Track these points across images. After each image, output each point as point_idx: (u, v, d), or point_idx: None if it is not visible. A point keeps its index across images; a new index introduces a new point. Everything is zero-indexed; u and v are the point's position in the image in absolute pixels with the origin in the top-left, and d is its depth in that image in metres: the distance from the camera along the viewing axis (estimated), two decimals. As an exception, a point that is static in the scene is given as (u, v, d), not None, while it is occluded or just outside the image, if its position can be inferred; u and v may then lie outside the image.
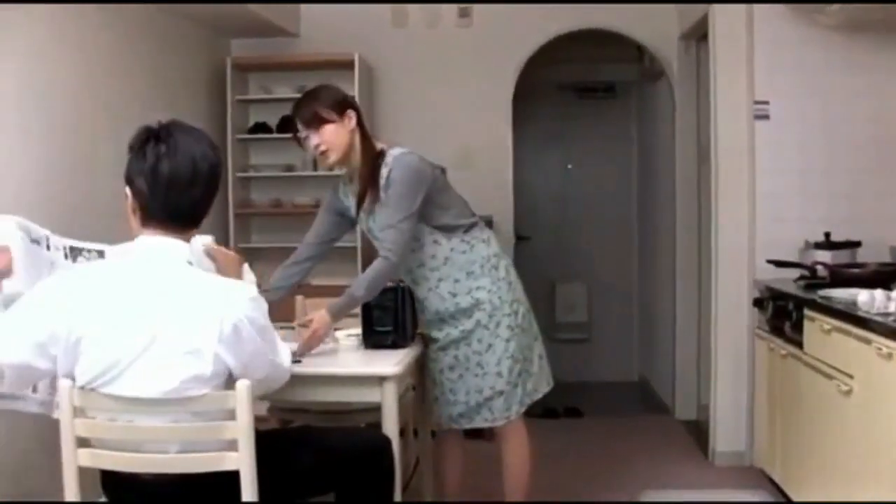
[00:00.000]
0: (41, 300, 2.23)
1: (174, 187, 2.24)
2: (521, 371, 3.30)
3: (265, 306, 2.34)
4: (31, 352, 2.20)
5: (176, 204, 2.25)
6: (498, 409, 3.30)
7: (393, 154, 3.18)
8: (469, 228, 3.30)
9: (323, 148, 3.14)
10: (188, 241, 2.32)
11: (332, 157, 3.16)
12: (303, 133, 3.15)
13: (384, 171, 3.15)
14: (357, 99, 5.52)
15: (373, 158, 3.18)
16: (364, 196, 3.22)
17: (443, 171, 3.36)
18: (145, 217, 2.27)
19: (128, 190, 2.29)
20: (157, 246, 2.27)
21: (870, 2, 3.85)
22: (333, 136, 3.13)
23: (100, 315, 2.19)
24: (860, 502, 3.14)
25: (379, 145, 3.23)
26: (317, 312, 3.09)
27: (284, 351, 2.49)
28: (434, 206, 3.21)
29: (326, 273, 5.71)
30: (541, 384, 3.41)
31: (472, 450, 3.59)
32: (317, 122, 3.12)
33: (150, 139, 2.25)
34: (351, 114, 3.15)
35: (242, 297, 2.27)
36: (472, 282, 3.26)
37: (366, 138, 3.20)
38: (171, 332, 2.18)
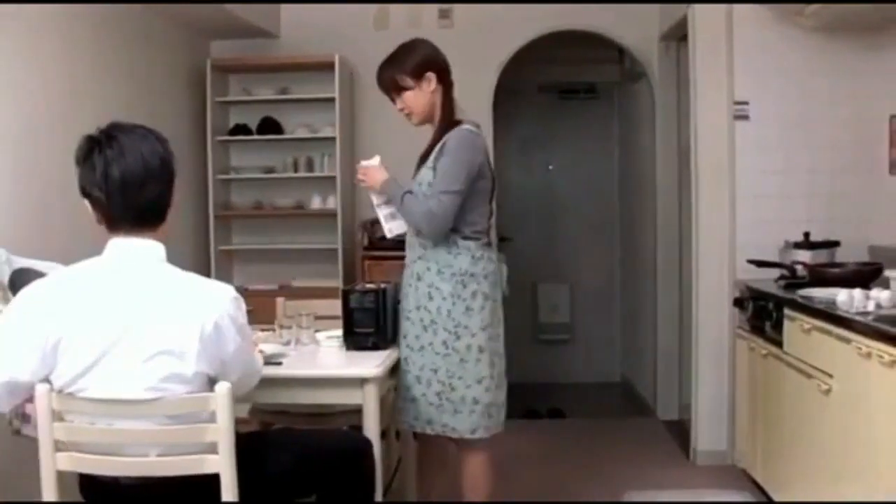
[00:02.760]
0: (18, 312, 2.24)
1: (130, 189, 2.22)
2: (441, 394, 3.18)
3: (244, 305, 2.34)
4: (12, 367, 2.21)
5: (136, 204, 2.23)
6: (406, 413, 3.25)
7: (459, 127, 3.20)
8: (469, 237, 3.21)
9: (405, 111, 3.25)
10: (161, 238, 2.30)
11: (415, 119, 3.26)
12: (387, 95, 3.26)
13: (444, 139, 3.18)
14: (337, 101, 5.54)
15: (446, 122, 3.22)
16: (427, 156, 3.23)
17: (493, 180, 3.30)
18: (111, 224, 2.26)
19: (87, 203, 2.27)
20: (130, 248, 2.26)
21: (847, 2, 3.87)
22: (412, 101, 3.22)
23: (76, 318, 2.18)
24: (840, 502, 3.16)
25: (459, 116, 3.25)
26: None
27: (256, 353, 2.51)
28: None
29: (309, 274, 5.73)
30: (462, 427, 3.18)
31: (455, 451, 3.58)
32: (395, 89, 3.22)
33: (94, 148, 2.23)
34: (430, 76, 3.20)
35: (224, 295, 2.27)
36: (437, 280, 3.19)
37: (446, 100, 3.24)
38: (149, 331, 2.17)
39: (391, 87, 3.22)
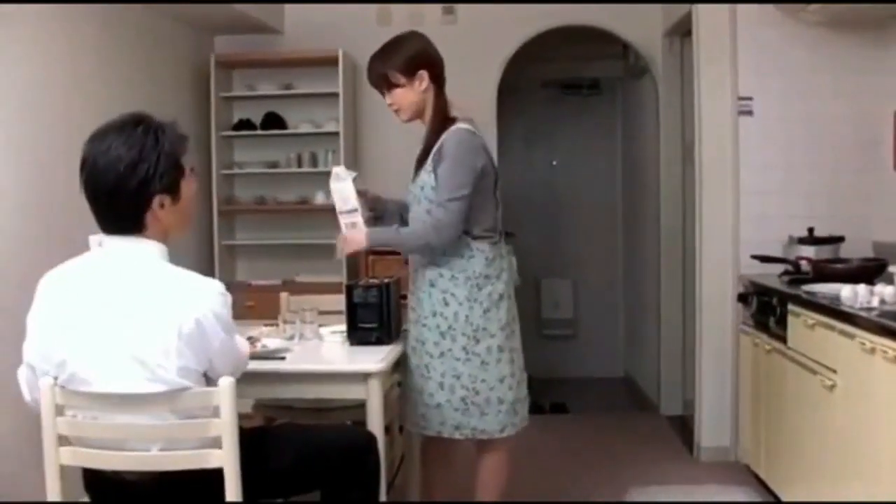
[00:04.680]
0: (35, 301, 2.28)
1: (94, 201, 2.22)
2: (466, 398, 3.15)
3: (230, 301, 2.31)
4: (27, 354, 2.29)
5: (104, 215, 2.23)
6: (430, 419, 3.21)
7: (455, 127, 3.12)
8: (480, 237, 3.17)
9: (394, 108, 3.18)
10: (154, 237, 2.27)
11: (403, 117, 3.19)
12: (377, 90, 3.19)
13: (440, 141, 3.10)
14: (341, 96, 5.53)
15: (440, 122, 3.14)
16: (424, 158, 3.16)
17: (496, 174, 3.23)
18: (100, 226, 2.27)
19: None
20: (120, 246, 2.25)
21: (848, 1, 3.87)
22: (402, 98, 3.14)
23: (65, 315, 2.20)
24: (842, 502, 3.16)
25: (452, 113, 3.18)
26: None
27: (241, 341, 2.50)
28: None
29: (312, 270, 5.73)
30: (492, 427, 3.19)
31: (460, 447, 3.58)
32: (384, 85, 3.15)
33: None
34: (423, 74, 3.12)
35: (209, 292, 2.24)
36: (451, 286, 3.15)
37: (439, 98, 3.17)
38: (135, 329, 2.16)
39: (381, 83, 3.15)
